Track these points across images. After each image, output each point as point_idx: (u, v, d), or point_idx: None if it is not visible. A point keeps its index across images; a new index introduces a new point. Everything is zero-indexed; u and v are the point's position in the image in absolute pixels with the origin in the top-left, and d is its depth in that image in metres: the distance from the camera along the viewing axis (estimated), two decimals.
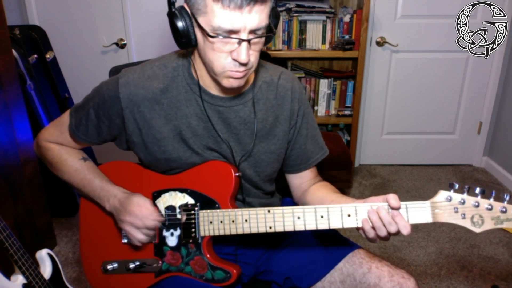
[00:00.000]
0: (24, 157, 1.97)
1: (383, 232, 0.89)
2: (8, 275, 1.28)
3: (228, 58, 0.89)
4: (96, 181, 1.09)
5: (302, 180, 1.20)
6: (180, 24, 0.89)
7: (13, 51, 2.04)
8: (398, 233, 0.89)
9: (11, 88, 1.89)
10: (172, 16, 0.89)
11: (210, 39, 0.86)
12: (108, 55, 2.85)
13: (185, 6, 0.90)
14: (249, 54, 0.88)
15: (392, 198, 0.89)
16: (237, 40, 0.86)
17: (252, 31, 0.86)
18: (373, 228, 0.91)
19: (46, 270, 1.36)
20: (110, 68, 1.37)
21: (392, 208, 0.89)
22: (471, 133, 3.15)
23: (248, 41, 0.86)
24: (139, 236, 1.04)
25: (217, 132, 1.03)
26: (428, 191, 2.86)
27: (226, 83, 0.94)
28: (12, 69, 1.90)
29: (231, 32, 0.85)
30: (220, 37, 0.85)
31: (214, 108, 1.02)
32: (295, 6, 2.73)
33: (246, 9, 0.82)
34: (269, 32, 0.91)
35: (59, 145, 1.15)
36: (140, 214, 1.01)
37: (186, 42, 0.91)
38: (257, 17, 0.84)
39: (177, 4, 0.92)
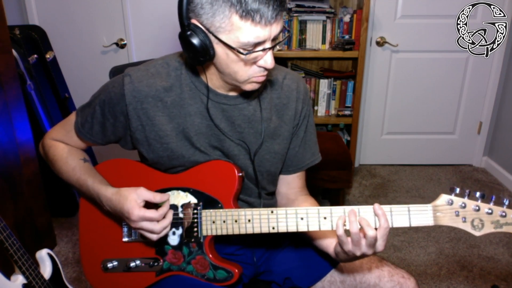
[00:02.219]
0: (24, 157, 1.97)
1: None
2: (8, 275, 1.28)
3: (253, 66, 0.91)
4: (89, 182, 1.07)
5: (289, 186, 1.18)
6: (199, 43, 0.87)
7: (13, 51, 2.04)
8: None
9: (11, 88, 1.89)
10: (189, 37, 0.87)
11: (241, 56, 0.87)
12: (108, 55, 2.85)
13: (196, 22, 0.87)
14: (273, 59, 0.90)
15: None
16: (261, 48, 0.87)
17: (274, 37, 0.88)
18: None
19: (46, 270, 1.36)
20: (110, 68, 1.37)
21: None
22: (471, 133, 3.15)
23: (273, 48, 0.89)
24: (156, 229, 1.00)
25: (220, 130, 1.02)
26: (428, 191, 2.86)
27: (250, 87, 0.96)
28: (12, 69, 1.90)
29: (257, 45, 0.86)
30: (250, 52, 0.86)
31: (219, 106, 1.02)
32: (295, 6, 2.73)
33: (274, 22, 0.85)
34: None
35: (64, 144, 1.15)
36: (139, 218, 0.98)
37: (205, 60, 0.90)
38: (280, 24, 0.87)
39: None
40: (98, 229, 1.14)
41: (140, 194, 0.98)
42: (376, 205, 0.90)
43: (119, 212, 1.01)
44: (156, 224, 0.98)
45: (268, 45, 0.87)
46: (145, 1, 2.74)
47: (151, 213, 0.97)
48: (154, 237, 1.00)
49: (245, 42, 0.84)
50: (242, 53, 0.85)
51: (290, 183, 1.18)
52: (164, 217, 1.00)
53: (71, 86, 2.58)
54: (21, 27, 2.33)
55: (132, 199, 0.97)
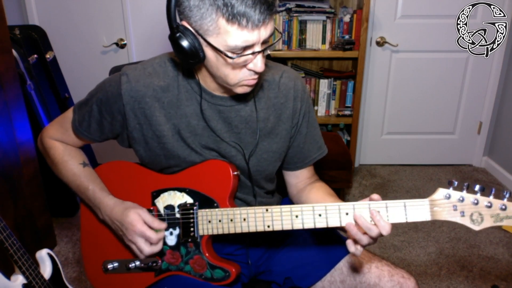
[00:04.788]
0: (24, 157, 1.97)
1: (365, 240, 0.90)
2: (8, 275, 1.28)
3: (243, 69, 0.90)
4: (90, 189, 1.09)
5: (298, 179, 1.19)
6: (188, 46, 0.86)
7: (13, 51, 2.04)
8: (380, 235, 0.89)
9: (11, 88, 1.89)
10: (178, 39, 0.87)
11: (229, 59, 0.86)
12: (108, 55, 2.85)
13: (186, 24, 0.87)
14: (263, 62, 0.89)
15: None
16: (251, 51, 0.86)
17: (264, 41, 0.87)
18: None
19: (46, 270, 1.36)
20: (110, 68, 1.37)
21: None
22: (471, 133, 3.15)
23: (263, 51, 0.88)
24: (145, 251, 1.03)
25: (215, 132, 1.03)
26: (428, 191, 2.86)
27: (241, 90, 0.95)
28: (12, 69, 1.90)
29: (246, 48, 0.86)
30: (238, 56, 0.85)
31: (215, 108, 1.02)
32: (295, 6, 2.73)
33: (262, 26, 0.83)
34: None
35: (63, 144, 1.15)
36: (139, 233, 1.01)
37: (195, 62, 0.89)
38: (269, 27, 0.86)
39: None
40: (99, 230, 1.14)
41: (143, 213, 1.03)
42: (374, 212, 0.89)
43: (118, 221, 1.03)
44: (148, 246, 1.02)
45: (257, 48, 0.86)
46: (145, 1, 2.74)
47: (151, 233, 1.01)
48: (141, 256, 1.04)
49: (232, 46, 0.84)
50: (230, 57, 0.85)
51: (299, 176, 1.19)
52: (158, 243, 1.03)
53: (71, 86, 2.58)
54: (21, 27, 2.33)
55: (136, 214, 1.01)
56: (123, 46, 2.82)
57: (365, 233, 0.89)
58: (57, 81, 2.45)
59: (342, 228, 0.94)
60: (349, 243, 0.91)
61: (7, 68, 1.87)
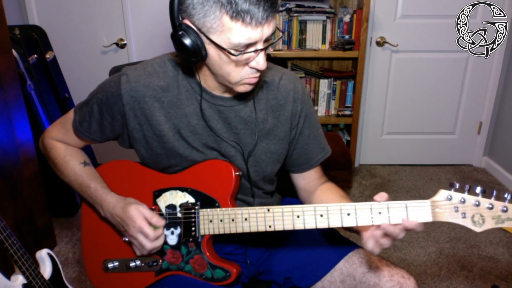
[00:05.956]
0: (24, 157, 1.97)
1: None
2: (8, 275, 1.28)
3: (245, 67, 0.91)
4: (92, 187, 1.09)
5: (306, 180, 1.19)
6: (190, 44, 0.86)
7: (13, 51, 2.04)
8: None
9: (11, 88, 1.89)
10: (180, 37, 0.87)
11: (232, 57, 0.86)
12: (108, 55, 2.85)
13: (188, 22, 0.87)
14: (265, 60, 0.90)
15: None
16: (253, 49, 0.87)
17: (266, 39, 0.88)
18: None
19: (46, 270, 1.36)
20: (110, 68, 1.37)
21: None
22: (471, 133, 3.15)
23: (265, 49, 0.88)
24: (147, 246, 1.03)
25: (215, 132, 1.03)
26: (428, 191, 2.86)
27: (242, 89, 0.95)
28: (12, 69, 1.90)
29: (249, 46, 0.86)
30: (241, 53, 0.86)
31: (215, 108, 1.03)
32: (295, 6, 2.73)
33: (265, 23, 0.84)
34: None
35: (65, 145, 1.15)
36: (138, 228, 1.01)
37: (197, 60, 0.90)
38: (272, 25, 0.87)
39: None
40: (100, 230, 1.15)
41: (142, 209, 1.03)
42: (390, 227, 0.88)
43: (120, 217, 1.03)
44: (148, 242, 1.02)
45: (260, 46, 0.87)
46: (145, 1, 2.74)
47: (149, 229, 1.02)
48: (144, 251, 1.04)
49: (236, 43, 0.84)
50: (233, 54, 0.85)
51: (306, 178, 1.19)
52: (157, 239, 1.04)
53: (71, 86, 2.58)
54: (21, 27, 2.33)
55: (136, 209, 1.02)
56: (123, 46, 2.82)
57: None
58: (57, 81, 2.45)
59: (349, 229, 0.94)
60: (369, 240, 0.91)
61: (7, 68, 1.87)
